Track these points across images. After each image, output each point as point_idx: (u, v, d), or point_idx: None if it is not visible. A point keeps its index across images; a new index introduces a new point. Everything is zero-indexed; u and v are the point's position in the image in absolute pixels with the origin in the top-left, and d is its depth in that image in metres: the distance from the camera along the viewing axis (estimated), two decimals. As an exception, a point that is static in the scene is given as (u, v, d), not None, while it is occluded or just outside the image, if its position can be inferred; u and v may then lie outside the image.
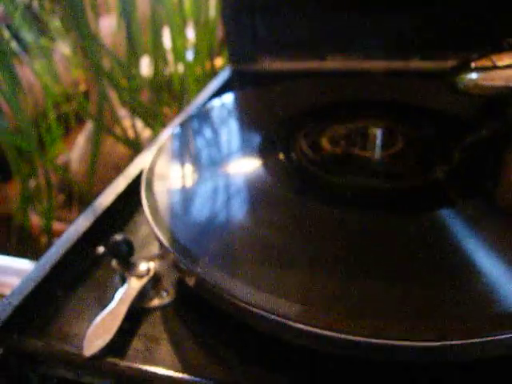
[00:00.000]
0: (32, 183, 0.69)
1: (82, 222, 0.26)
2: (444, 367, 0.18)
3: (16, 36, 0.69)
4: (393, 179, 0.25)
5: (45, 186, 0.67)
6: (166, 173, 0.27)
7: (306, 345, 0.17)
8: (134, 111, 0.71)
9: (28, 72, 0.70)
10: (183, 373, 0.19)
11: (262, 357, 0.19)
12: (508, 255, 0.19)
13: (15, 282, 0.63)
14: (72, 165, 0.78)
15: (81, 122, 0.82)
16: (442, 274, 0.18)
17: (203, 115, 0.34)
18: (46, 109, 0.74)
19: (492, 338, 0.15)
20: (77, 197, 0.75)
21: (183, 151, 0.30)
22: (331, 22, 0.46)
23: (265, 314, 0.17)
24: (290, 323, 0.17)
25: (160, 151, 0.29)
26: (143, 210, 0.27)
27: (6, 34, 0.66)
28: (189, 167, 0.28)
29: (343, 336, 0.16)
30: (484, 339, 0.15)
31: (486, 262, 0.19)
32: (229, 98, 0.37)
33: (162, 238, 0.21)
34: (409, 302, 0.17)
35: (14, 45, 0.68)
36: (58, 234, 0.71)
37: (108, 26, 0.75)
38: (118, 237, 0.24)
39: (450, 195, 0.23)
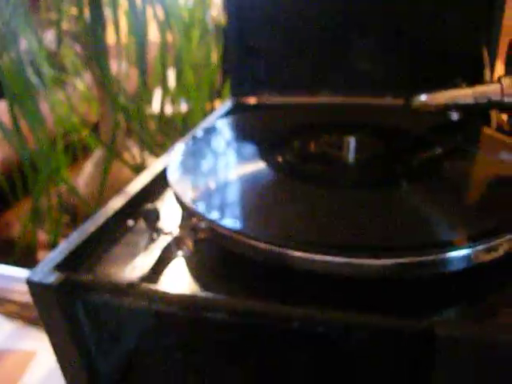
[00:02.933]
0: (42, 201, 0.76)
1: (116, 202, 0.33)
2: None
3: (37, 71, 0.77)
4: (360, 170, 0.33)
5: (56, 204, 0.73)
6: (187, 164, 0.34)
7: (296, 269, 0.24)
8: (142, 141, 0.78)
9: (43, 103, 0.77)
10: (200, 292, 0.25)
11: (264, 285, 0.26)
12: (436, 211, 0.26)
13: (21, 288, 0.68)
14: (78, 189, 0.84)
15: (85, 152, 0.90)
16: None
17: (211, 129, 0.42)
18: (57, 137, 0.81)
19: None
20: (82, 217, 0.81)
21: (198, 152, 0.37)
22: (322, 64, 0.55)
23: (263, 245, 0.24)
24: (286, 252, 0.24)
25: (180, 152, 0.36)
26: (167, 192, 0.34)
27: (30, 69, 0.75)
28: (203, 161, 0.35)
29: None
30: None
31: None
32: (232, 118, 0.45)
33: (186, 200, 0.28)
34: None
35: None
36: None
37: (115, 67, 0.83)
38: (150, 206, 0.30)
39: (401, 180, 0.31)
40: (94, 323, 0.28)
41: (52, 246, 0.74)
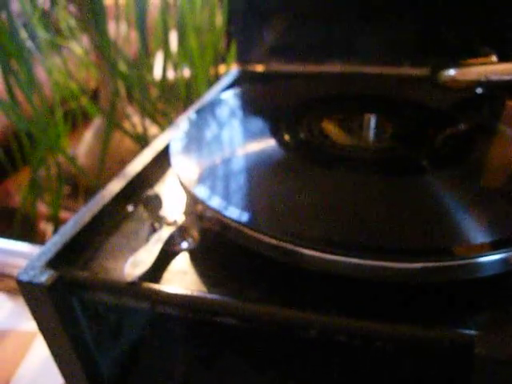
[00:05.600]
0: (41, 172, 0.73)
1: (115, 185, 0.30)
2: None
3: (32, 35, 0.73)
4: (381, 155, 0.30)
5: (55, 175, 0.71)
6: (191, 142, 0.31)
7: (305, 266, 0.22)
8: (144, 109, 0.75)
9: (39, 69, 0.74)
10: (206, 293, 0.23)
11: (270, 283, 0.23)
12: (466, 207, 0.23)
13: (21, 263, 0.67)
14: (79, 159, 0.82)
15: (86, 119, 0.86)
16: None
17: (219, 102, 0.38)
18: (54, 105, 0.77)
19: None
20: (83, 188, 0.78)
21: (203, 130, 0.34)
22: (331, 30, 0.51)
23: (271, 240, 0.21)
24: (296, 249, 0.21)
25: (184, 127, 0.33)
26: (169, 176, 0.32)
27: (23, 33, 0.70)
28: (210, 140, 0.32)
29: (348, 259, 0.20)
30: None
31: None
32: (240, 90, 0.41)
33: (192, 189, 0.26)
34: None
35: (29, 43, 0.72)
36: (64, 222, 0.75)
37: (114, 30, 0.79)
38: (151, 193, 0.28)
39: (427, 168, 0.28)
40: (93, 321, 0.26)
41: (52, 218, 0.72)
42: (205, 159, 0.29)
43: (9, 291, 0.59)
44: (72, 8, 0.73)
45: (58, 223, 0.73)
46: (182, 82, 0.81)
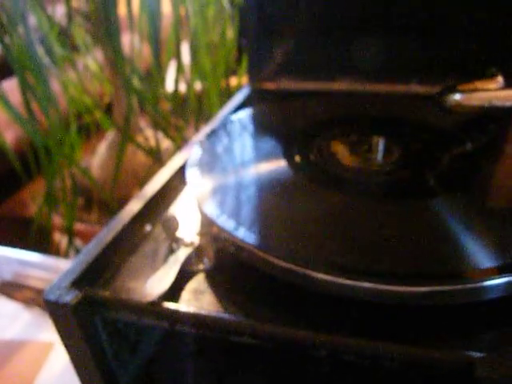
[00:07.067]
0: (56, 184, 0.75)
1: (134, 205, 0.32)
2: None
3: (48, 50, 0.75)
4: (390, 177, 0.31)
5: (69, 187, 0.73)
6: (207, 164, 0.32)
7: (321, 291, 0.23)
8: (156, 123, 0.77)
9: (55, 83, 0.76)
10: (223, 313, 0.24)
11: (284, 304, 0.24)
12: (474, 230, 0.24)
13: (37, 274, 0.68)
14: (92, 171, 0.83)
15: (99, 132, 0.88)
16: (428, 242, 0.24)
17: (231, 123, 0.40)
18: (70, 119, 0.79)
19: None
20: (97, 200, 0.80)
21: (218, 150, 0.35)
22: (340, 47, 0.52)
23: (285, 264, 0.23)
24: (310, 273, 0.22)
25: (199, 150, 0.34)
26: (184, 197, 0.33)
27: (40, 48, 0.72)
28: (224, 162, 0.33)
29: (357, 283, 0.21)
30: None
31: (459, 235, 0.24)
32: (252, 110, 0.43)
33: (208, 212, 0.27)
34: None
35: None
36: (78, 233, 0.77)
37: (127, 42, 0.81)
38: (169, 214, 0.29)
39: (436, 190, 0.29)
40: (113, 337, 0.27)
41: (66, 229, 0.74)
42: (219, 181, 0.31)
43: (25, 301, 0.61)
44: (87, 25, 0.75)
45: (72, 235, 0.74)
46: (193, 95, 0.82)
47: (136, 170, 0.79)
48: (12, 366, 0.48)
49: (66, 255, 0.74)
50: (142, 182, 0.76)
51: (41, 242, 0.78)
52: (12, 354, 0.49)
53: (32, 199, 0.84)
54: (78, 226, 0.76)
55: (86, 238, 0.76)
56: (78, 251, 0.74)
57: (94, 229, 0.76)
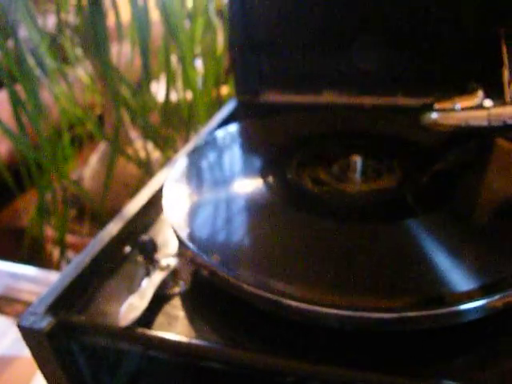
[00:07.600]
0: (48, 197, 0.75)
1: (113, 227, 0.32)
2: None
3: (39, 62, 0.75)
4: (368, 197, 0.31)
5: (60, 199, 0.73)
6: (184, 187, 0.33)
7: (298, 320, 0.23)
8: (146, 134, 0.77)
9: (46, 95, 0.76)
10: (196, 339, 0.24)
11: (257, 330, 0.24)
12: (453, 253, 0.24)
13: (28, 287, 0.68)
14: (84, 182, 0.84)
15: (92, 142, 0.88)
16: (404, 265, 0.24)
17: (212, 141, 0.40)
18: (61, 130, 0.80)
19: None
20: (88, 212, 0.80)
21: (197, 170, 0.35)
22: (327, 61, 0.52)
23: (260, 292, 0.23)
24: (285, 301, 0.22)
25: (177, 170, 0.35)
26: (164, 216, 0.33)
27: (31, 60, 0.73)
28: (201, 183, 0.33)
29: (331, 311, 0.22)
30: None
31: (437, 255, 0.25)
32: (234, 127, 0.43)
33: (182, 237, 0.27)
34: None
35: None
36: (70, 245, 0.77)
37: (116, 52, 0.81)
38: (145, 237, 0.29)
39: (415, 209, 0.29)
40: (91, 360, 0.27)
41: (59, 241, 0.74)
42: (195, 203, 0.31)
43: (16, 316, 0.61)
44: (76, 37, 0.75)
45: (64, 247, 0.74)
46: (184, 105, 0.83)
47: (127, 181, 0.79)
48: (1, 381, 0.48)
49: (57, 267, 0.75)
50: (134, 192, 0.76)
51: (34, 253, 0.78)
52: (0, 370, 0.49)
53: (24, 210, 0.84)
54: (70, 238, 0.77)
55: (78, 249, 0.76)
56: (69, 263, 0.74)
57: (86, 240, 0.77)
